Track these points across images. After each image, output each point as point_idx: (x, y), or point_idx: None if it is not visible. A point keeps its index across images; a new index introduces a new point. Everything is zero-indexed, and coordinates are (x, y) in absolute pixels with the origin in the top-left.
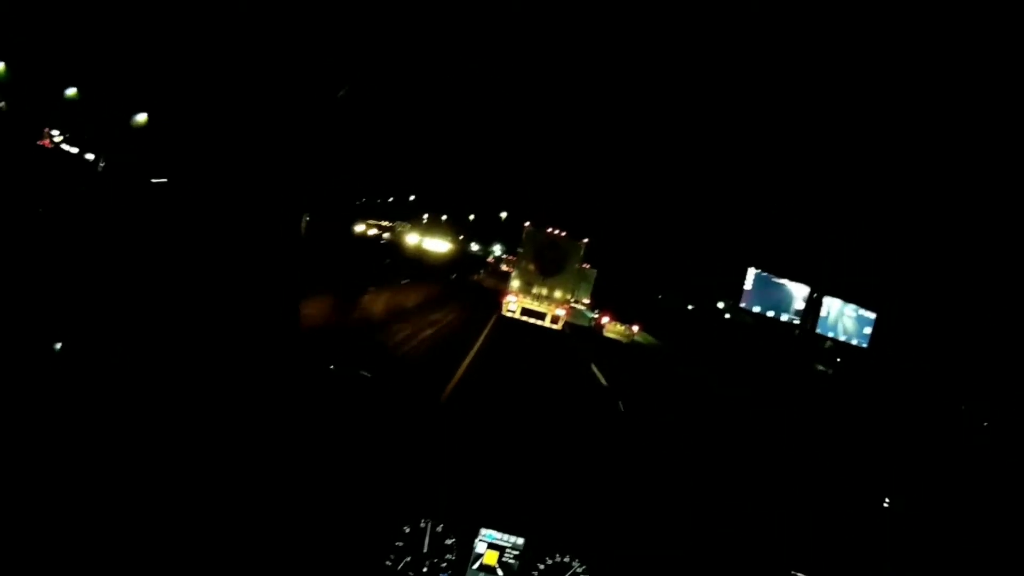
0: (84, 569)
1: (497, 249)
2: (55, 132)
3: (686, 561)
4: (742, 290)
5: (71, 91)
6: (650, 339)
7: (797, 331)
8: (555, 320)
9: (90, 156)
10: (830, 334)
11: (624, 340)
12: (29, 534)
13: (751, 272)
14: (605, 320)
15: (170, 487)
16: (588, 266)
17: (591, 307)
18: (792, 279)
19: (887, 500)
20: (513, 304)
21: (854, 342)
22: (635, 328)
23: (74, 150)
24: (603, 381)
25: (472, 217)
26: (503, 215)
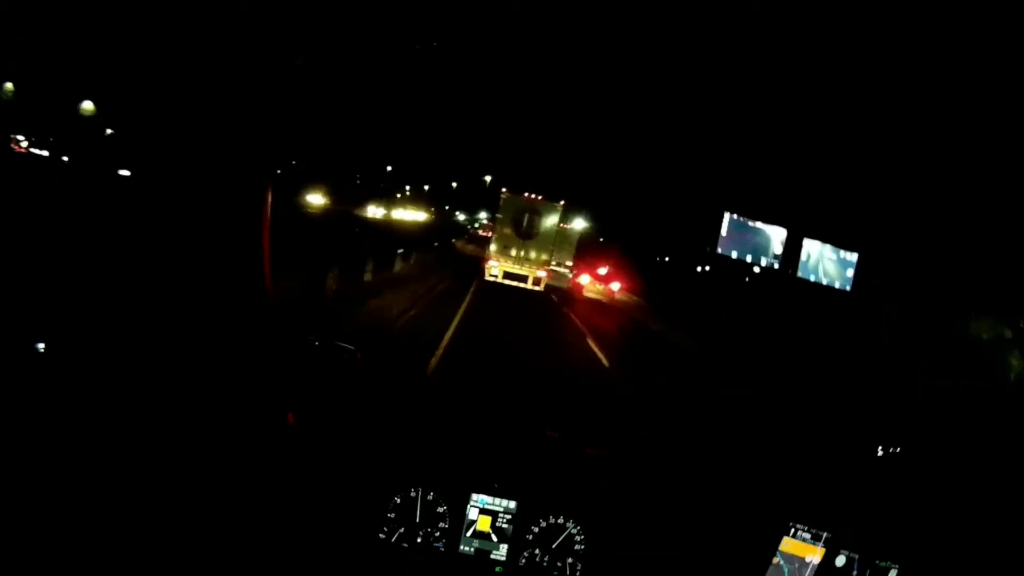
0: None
1: (483, 216)
2: (20, 137)
3: (683, 516)
4: (718, 236)
5: (8, 85)
6: (633, 298)
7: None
8: (537, 282)
9: (65, 158)
10: (811, 277)
11: (605, 299)
12: (17, 537)
13: (726, 217)
14: (584, 280)
15: (156, 470)
16: (567, 226)
17: (573, 268)
18: (769, 222)
19: (880, 448)
20: (495, 269)
21: (836, 285)
22: (615, 286)
23: (44, 153)
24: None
25: (455, 185)
26: (487, 179)
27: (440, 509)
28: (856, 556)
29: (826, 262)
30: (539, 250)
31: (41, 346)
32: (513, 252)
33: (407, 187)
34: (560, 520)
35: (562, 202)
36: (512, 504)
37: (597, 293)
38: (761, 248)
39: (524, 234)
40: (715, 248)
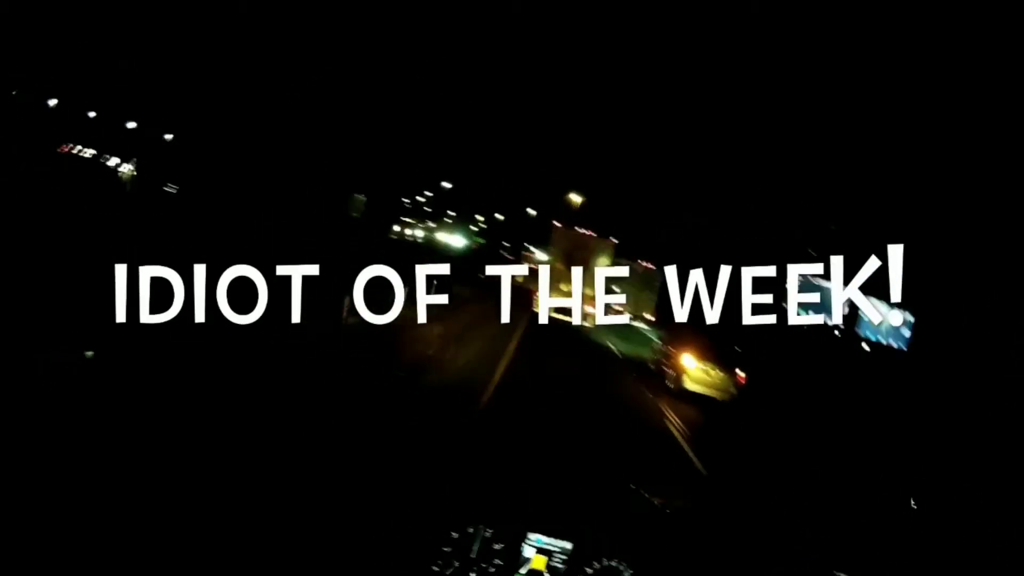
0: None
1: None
2: (70, 144)
3: (732, 564)
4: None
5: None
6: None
7: (838, 333)
8: (585, 316)
9: (114, 161)
10: (871, 336)
11: (720, 396)
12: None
13: (792, 269)
14: (687, 361)
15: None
16: (651, 266)
17: (664, 330)
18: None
19: (913, 502)
20: (545, 301)
21: (894, 344)
22: (741, 375)
23: (89, 153)
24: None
25: (534, 213)
26: (577, 199)
27: (496, 547)
28: None
29: (885, 319)
30: (589, 286)
31: (89, 353)
32: (562, 286)
33: (479, 217)
34: (615, 563)
35: (613, 240)
36: (568, 545)
37: (708, 386)
38: (823, 305)
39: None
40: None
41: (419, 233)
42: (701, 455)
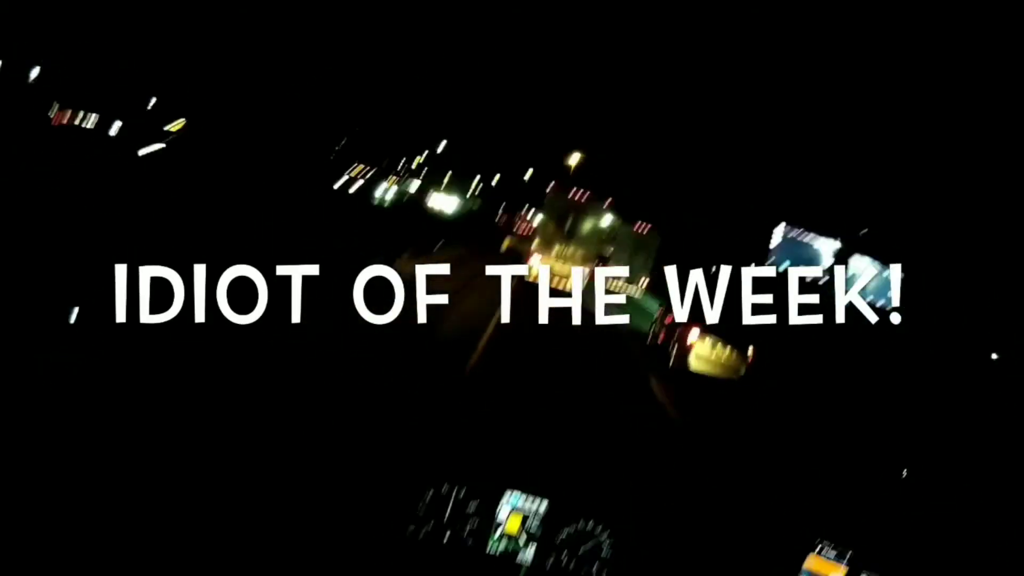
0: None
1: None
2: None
3: (712, 530)
4: (767, 248)
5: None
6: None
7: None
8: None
9: (115, 127)
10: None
11: (726, 375)
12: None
13: (780, 228)
14: (693, 336)
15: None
16: (649, 227)
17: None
18: (820, 233)
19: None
20: (537, 264)
21: (879, 303)
22: (751, 352)
23: (92, 120)
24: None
25: (531, 172)
26: (574, 158)
27: (470, 508)
28: None
29: (869, 278)
30: (582, 248)
31: (75, 312)
32: (556, 250)
33: (478, 176)
34: (590, 526)
35: (609, 200)
36: (543, 506)
37: (715, 364)
38: (813, 260)
39: (568, 232)
40: (763, 261)
41: (390, 191)
42: (686, 422)
